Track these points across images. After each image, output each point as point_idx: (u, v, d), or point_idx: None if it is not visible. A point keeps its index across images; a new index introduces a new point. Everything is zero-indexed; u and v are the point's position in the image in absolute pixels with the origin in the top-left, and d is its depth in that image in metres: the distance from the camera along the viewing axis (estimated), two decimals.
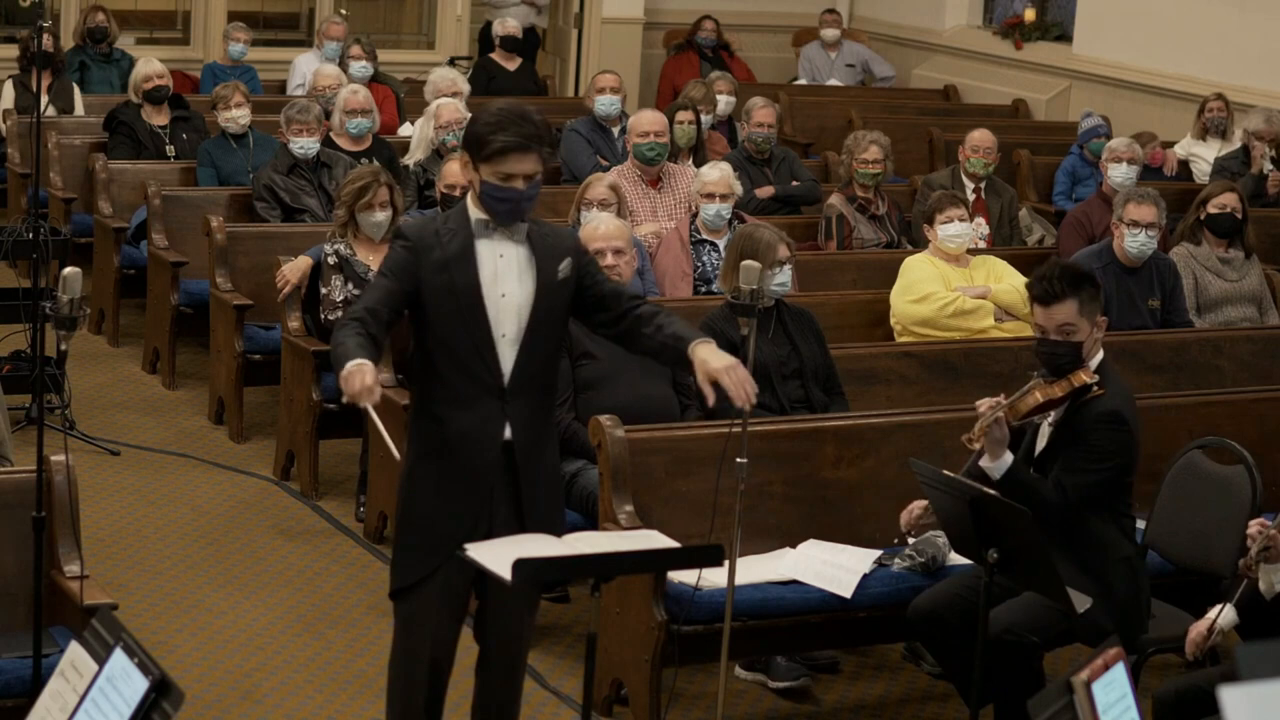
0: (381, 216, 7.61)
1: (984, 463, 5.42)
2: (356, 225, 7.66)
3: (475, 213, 4.72)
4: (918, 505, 5.58)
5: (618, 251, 6.58)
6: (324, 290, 7.63)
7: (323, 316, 7.62)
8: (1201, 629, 5.19)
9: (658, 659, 5.62)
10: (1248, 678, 2.49)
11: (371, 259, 7.64)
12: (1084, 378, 5.42)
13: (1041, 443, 5.55)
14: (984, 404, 5.41)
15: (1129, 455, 5.48)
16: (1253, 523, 5.14)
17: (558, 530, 4.78)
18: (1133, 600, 5.47)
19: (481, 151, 4.63)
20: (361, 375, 4.42)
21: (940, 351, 7.52)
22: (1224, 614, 5.13)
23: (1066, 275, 5.46)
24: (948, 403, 6.98)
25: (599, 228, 6.69)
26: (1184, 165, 11.67)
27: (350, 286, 7.56)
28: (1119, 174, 9.49)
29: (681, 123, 9.57)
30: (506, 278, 4.69)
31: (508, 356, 4.67)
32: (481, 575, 4.62)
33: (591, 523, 6.02)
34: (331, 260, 7.63)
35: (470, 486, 4.69)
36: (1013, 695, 5.24)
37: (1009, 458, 5.40)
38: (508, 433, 4.69)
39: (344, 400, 4.52)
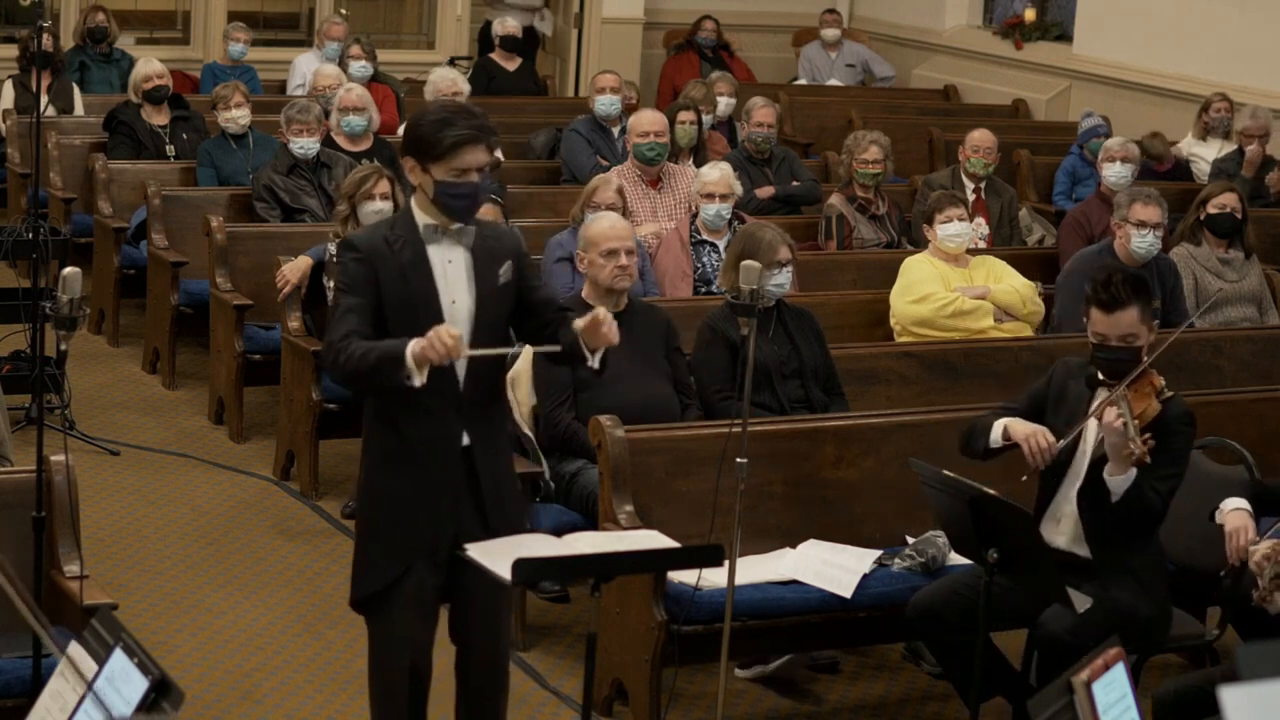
0: (380, 205, 7.61)
1: (1110, 474, 5.28)
2: (357, 221, 7.67)
3: (422, 218, 4.71)
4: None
5: (630, 252, 6.54)
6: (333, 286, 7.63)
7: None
8: (1250, 530, 5.11)
9: (658, 659, 5.62)
10: (1248, 678, 2.49)
11: None
12: (1159, 382, 5.35)
13: (1089, 445, 5.43)
14: (1112, 417, 5.20)
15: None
16: (1254, 551, 5.03)
17: (523, 527, 4.81)
18: (1166, 597, 5.49)
19: (433, 151, 4.62)
20: (446, 330, 4.44)
21: (940, 351, 7.52)
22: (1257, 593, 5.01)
23: (1130, 282, 5.37)
24: (948, 403, 6.98)
25: (611, 227, 6.60)
26: (1184, 165, 11.67)
27: None
28: (1114, 173, 9.49)
29: (683, 123, 9.57)
30: (456, 284, 4.70)
31: (462, 362, 4.66)
32: (450, 579, 4.64)
33: (591, 523, 6.03)
34: (337, 260, 7.63)
35: (433, 492, 4.69)
36: None
37: (1134, 471, 5.28)
38: (466, 438, 4.70)
39: (429, 360, 4.45)
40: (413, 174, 4.70)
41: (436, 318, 4.62)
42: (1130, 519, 5.32)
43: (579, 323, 4.66)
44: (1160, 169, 11.18)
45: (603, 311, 4.66)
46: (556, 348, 4.73)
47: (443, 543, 4.61)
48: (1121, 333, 5.34)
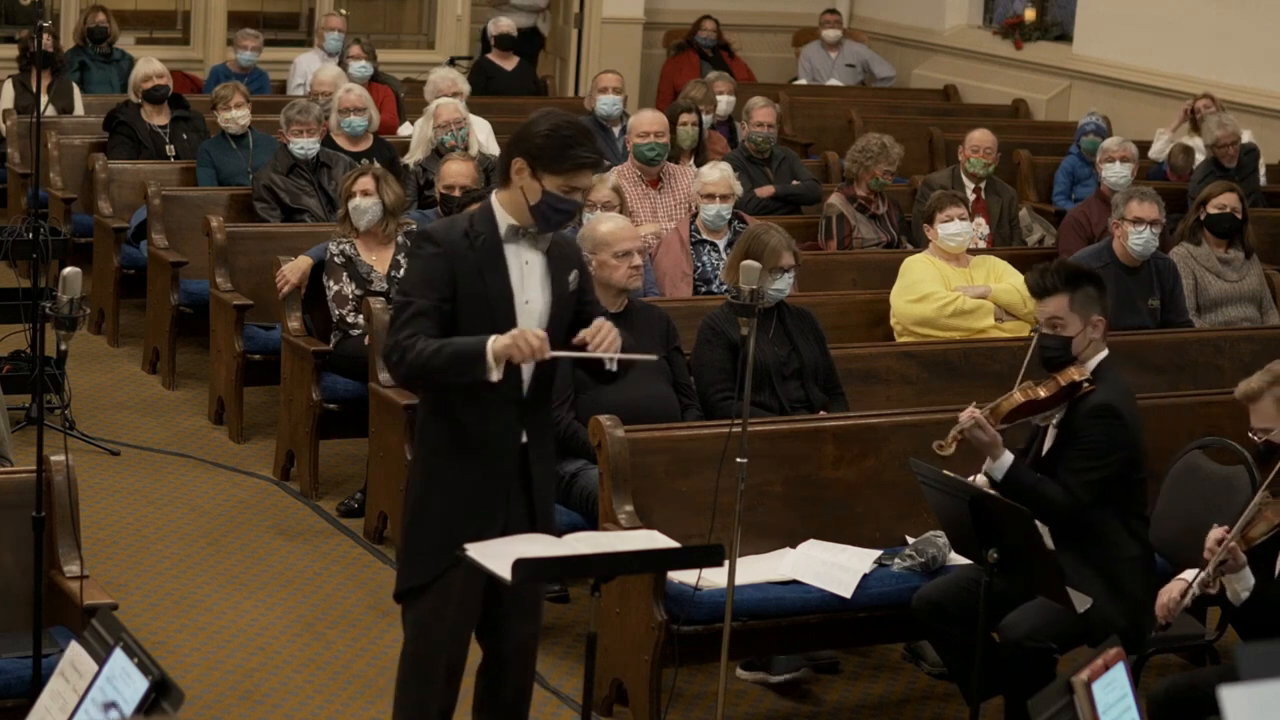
0: (360, 202, 7.65)
1: (985, 466, 5.43)
2: (350, 218, 7.70)
3: (505, 217, 4.70)
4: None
5: (640, 251, 6.58)
6: (335, 287, 7.64)
7: (335, 314, 7.63)
8: (1174, 593, 5.11)
9: (658, 659, 5.62)
10: (1248, 678, 2.49)
11: (374, 259, 7.65)
12: (1073, 375, 5.44)
13: (1047, 445, 5.55)
14: (966, 412, 5.43)
15: (1128, 449, 5.46)
16: (1209, 536, 5.01)
17: (555, 526, 4.83)
18: (1144, 600, 5.45)
19: (555, 163, 4.61)
20: (533, 331, 4.49)
21: (940, 351, 7.52)
22: (1199, 578, 5.02)
23: (1062, 271, 5.55)
24: (948, 403, 6.97)
25: (622, 228, 6.61)
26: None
27: (355, 286, 7.58)
28: (1113, 173, 9.49)
29: (684, 124, 9.56)
30: (530, 285, 4.71)
31: (528, 364, 4.67)
32: (493, 579, 4.64)
33: (591, 523, 6.03)
34: (338, 260, 7.65)
35: (488, 488, 4.71)
36: (1027, 698, 5.24)
37: (1008, 458, 5.41)
38: (524, 437, 4.72)
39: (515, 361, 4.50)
40: (519, 175, 4.66)
41: (508, 317, 4.64)
42: (1038, 509, 5.31)
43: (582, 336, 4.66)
44: (1180, 180, 11.14)
45: (591, 328, 4.64)
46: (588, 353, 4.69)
47: (491, 537, 4.59)
48: (1046, 317, 5.52)
